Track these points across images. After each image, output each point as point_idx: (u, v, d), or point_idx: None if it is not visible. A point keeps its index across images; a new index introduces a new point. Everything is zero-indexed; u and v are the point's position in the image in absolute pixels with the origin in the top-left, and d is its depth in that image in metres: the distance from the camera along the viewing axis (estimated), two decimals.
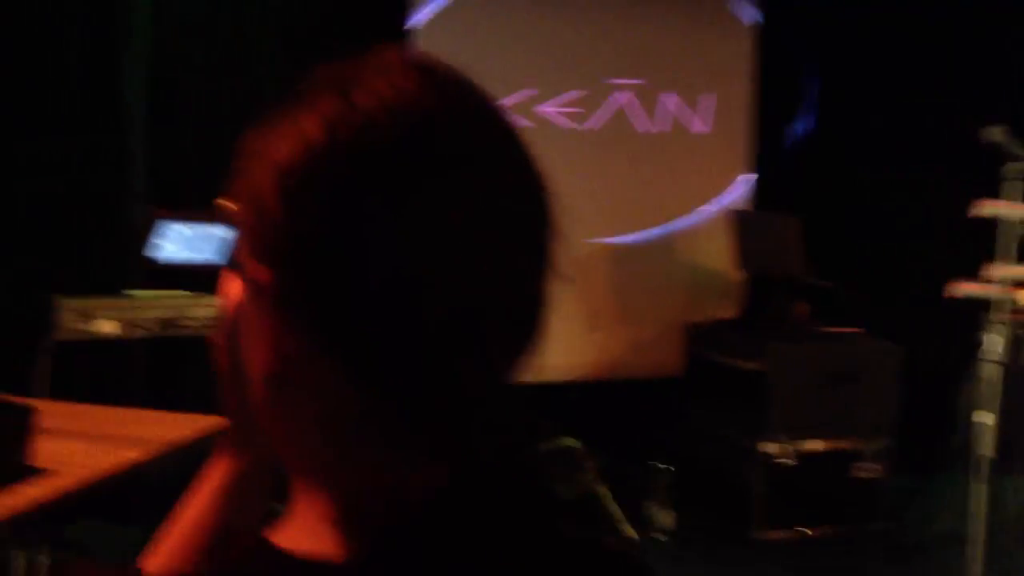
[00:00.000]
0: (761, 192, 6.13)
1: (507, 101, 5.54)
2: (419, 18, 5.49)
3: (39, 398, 3.77)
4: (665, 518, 4.87)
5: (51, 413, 2.34)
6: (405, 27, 5.45)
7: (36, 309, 3.97)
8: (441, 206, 0.75)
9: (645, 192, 5.92)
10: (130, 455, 2.26)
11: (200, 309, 4.03)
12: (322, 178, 0.75)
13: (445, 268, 0.75)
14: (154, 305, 4.02)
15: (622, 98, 5.84)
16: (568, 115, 5.75)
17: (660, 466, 4.89)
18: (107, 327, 3.88)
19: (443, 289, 0.75)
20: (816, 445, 5.01)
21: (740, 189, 6.11)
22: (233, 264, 0.82)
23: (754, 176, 6.13)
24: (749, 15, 6.04)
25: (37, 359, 3.77)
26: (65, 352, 3.85)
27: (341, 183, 0.75)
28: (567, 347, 5.58)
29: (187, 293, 4.16)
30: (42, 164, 4.61)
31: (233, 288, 0.84)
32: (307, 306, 0.76)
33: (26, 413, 2.22)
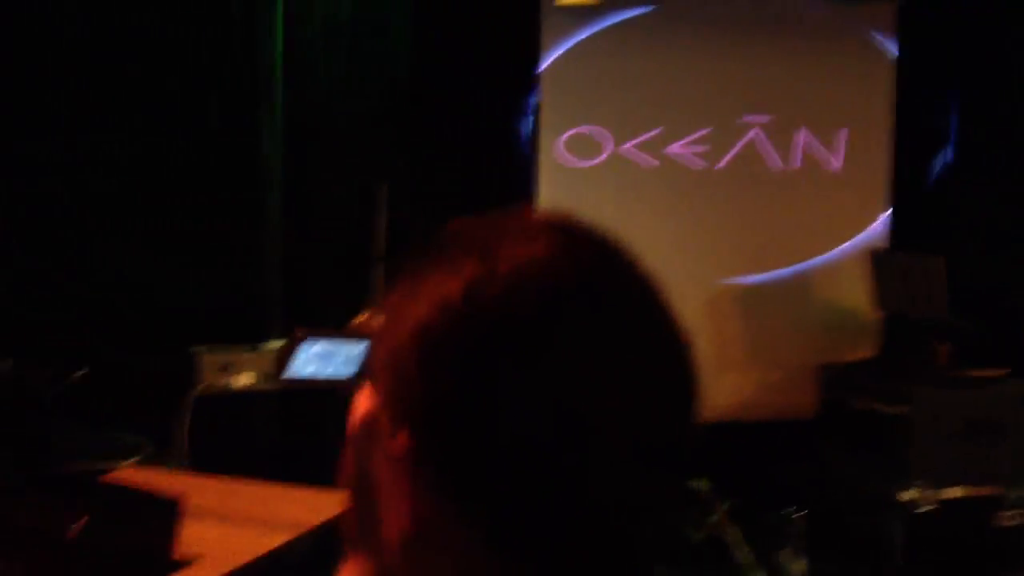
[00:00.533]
0: (899, 230, 5.95)
1: (635, 141, 5.54)
2: (548, 61, 5.51)
3: (179, 450, 3.91)
4: (797, 566, 4.75)
5: (192, 490, 2.39)
6: (536, 70, 5.47)
7: (179, 362, 4.10)
8: (576, 373, 0.76)
9: (778, 231, 5.81)
10: (270, 541, 2.30)
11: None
12: (460, 345, 0.76)
13: (582, 432, 0.76)
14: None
15: (753, 135, 5.76)
16: (698, 154, 5.69)
17: (792, 512, 4.78)
18: (245, 379, 3.99)
19: (580, 454, 0.75)
20: (957, 492, 4.83)
21: (877, 227, 5.95)
22: (365, 381, 0.83)
23: (892, 213, 5.97)
24: (886, 47, 5.89)
25: (179, 411, 3.89)
26: (204, 404, 3.97)
27: (479, 351, 0.76)
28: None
29: None
30: (181, 219, 4.77)
31: (363, 405, 0.84)
32: (444, 470, 0.76)
33: (171, 508, 2.26)
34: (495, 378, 0.75)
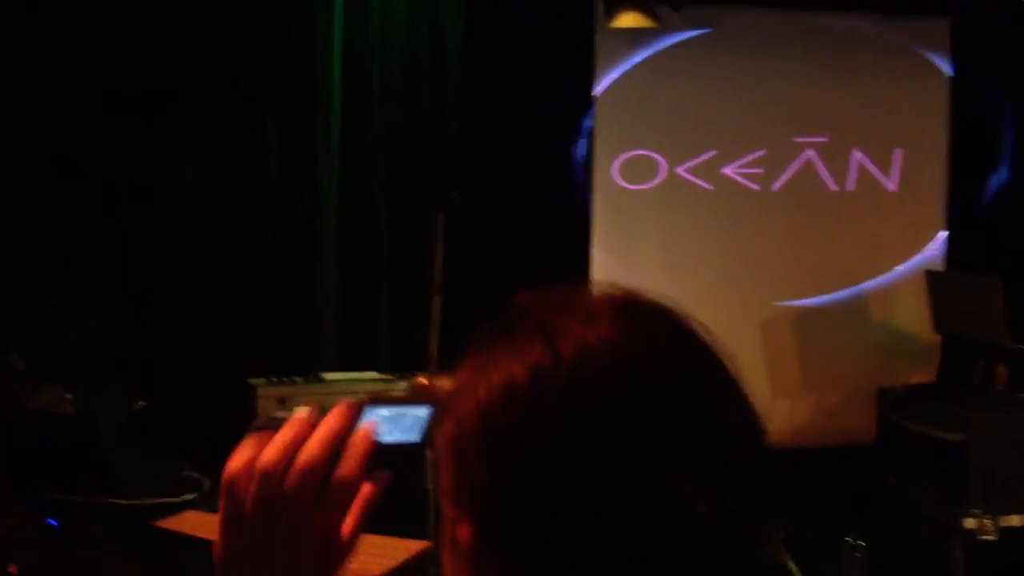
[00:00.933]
0: (955, 250, 5.89)
1: (690, 163, 5.51)
2: (602, 86, 5.49)
3: None
4: None
5: None
6: (591, 93, 5.45)
7: (238, 396, 4.12)
8: (645, 457, 0.74)
9: (834, 252, 5.76)
10: None
11: (394, 393, 4.11)
12: (525, 436, 0.75)
13: (647, 519, 0.74)
14: (348, 390, 4.12)
15: (808, 156, 5.71)
16: (752, 176, 5.65)
17: (851, 539, 4.74)
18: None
19: (658, 544, 0.74)
20: (1018, 520, 4.77)
21: (933, 248, 5.89)
22: (429, 446, 0.82)
23: (948, 234, 5.90)
24: (940, 66, 5.83)
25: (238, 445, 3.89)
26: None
27: (545, 442, 0.74)
28: None
29: (379, 374, 4.27)
30: (239, 250, 4.80)
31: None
32: (507, 561, 0.75)
33: None
34: (561, 468, 0.73)
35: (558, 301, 0.81)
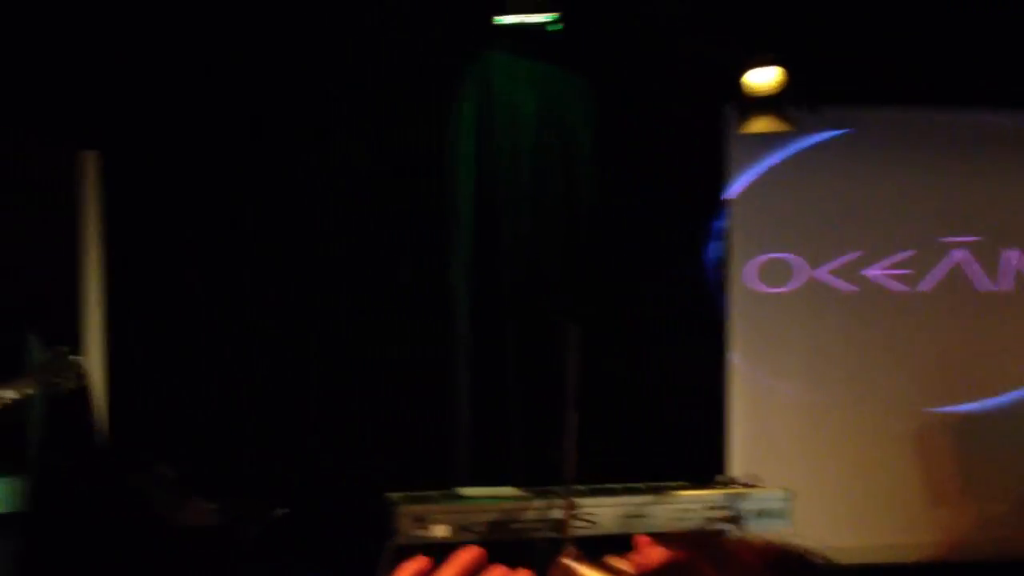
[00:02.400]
0: None
1: (830, 265, 5.36)
2: (736, 188, 5.42)
3: None
4: None
5: None
6: (723, 195, 5.39)
7: (377, 514, 4.13)
8: None
9: (988, 355, 5.50)
10: None
11: (530, 511, 4.06)
12: None
13: None
14: (486, 508, 4.08)
15: (958, 256, 5.50)
16: (898, 277, 5.46)
17: None
18: (440, 531, 3.98)
19: None
20: None
21: None
22: None
23: None
24: None
25: (379, 565, 3.90)
26: (403, 555, 3.96)
27: None
28: (907, 525, 5.23)
29: (517, 491, 4.22)
30: (374, 363, 4.87)
31: None
32: None
33: None
34: None
35: (715, 557, 0.83)
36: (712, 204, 5.40)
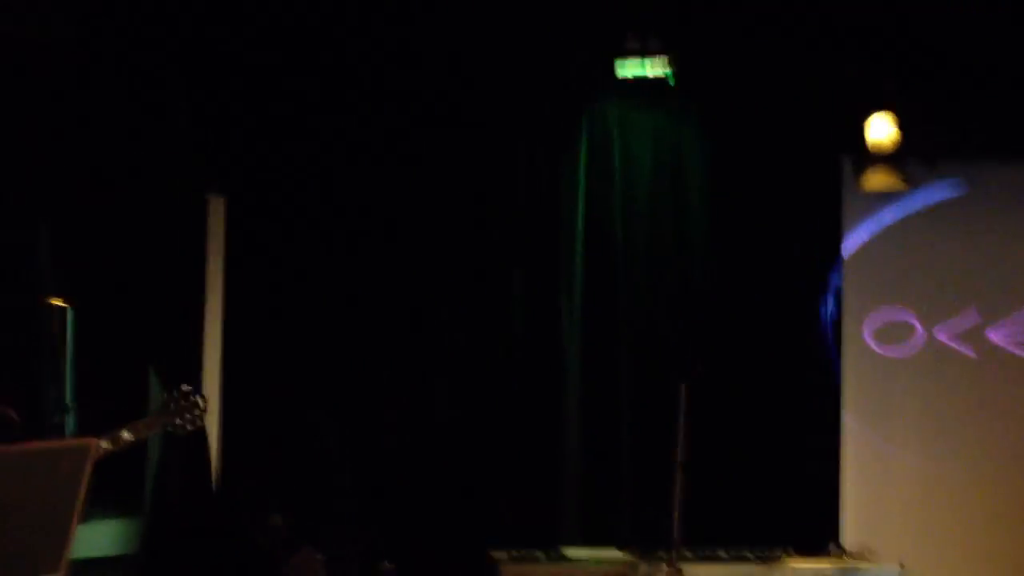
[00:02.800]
0: None
1: (950, 329, 5.20)
2: (851, 244, 5.31)
3: None
4: None
5: None
6: (838, 251, 5.29)
7: (482, 572, 4.13)
8: None
9: None
10: None
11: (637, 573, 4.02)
12: None
13: None
14: (590, 571, 4.05)
15: None
16: (1021, 343, 5.25)
17: None
18: None
19: None
20: None
21: None
22: None
23: None
24: None
25: None
26: None
27: None
28: None
29: (623, 554, 4.18)
30: (480, 412, 4.89)
31: None
32: None
33: None
34: None
35: None
36: (828, 259, 5.29)
